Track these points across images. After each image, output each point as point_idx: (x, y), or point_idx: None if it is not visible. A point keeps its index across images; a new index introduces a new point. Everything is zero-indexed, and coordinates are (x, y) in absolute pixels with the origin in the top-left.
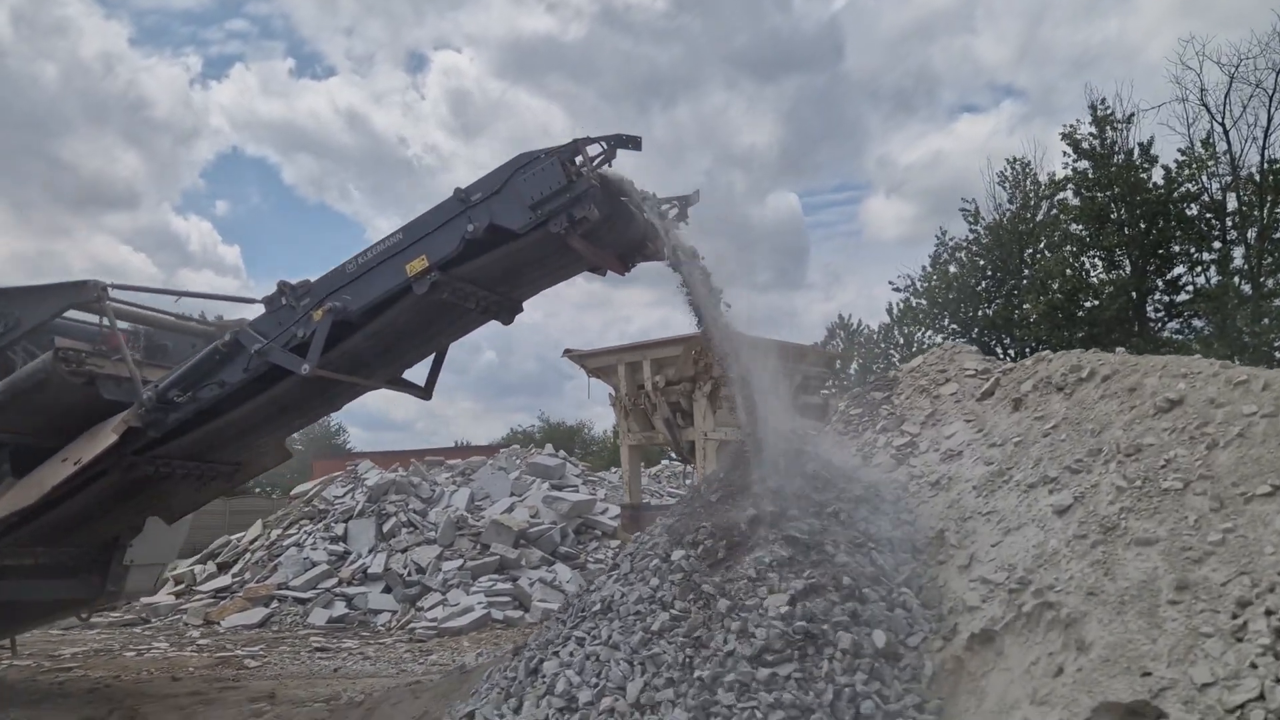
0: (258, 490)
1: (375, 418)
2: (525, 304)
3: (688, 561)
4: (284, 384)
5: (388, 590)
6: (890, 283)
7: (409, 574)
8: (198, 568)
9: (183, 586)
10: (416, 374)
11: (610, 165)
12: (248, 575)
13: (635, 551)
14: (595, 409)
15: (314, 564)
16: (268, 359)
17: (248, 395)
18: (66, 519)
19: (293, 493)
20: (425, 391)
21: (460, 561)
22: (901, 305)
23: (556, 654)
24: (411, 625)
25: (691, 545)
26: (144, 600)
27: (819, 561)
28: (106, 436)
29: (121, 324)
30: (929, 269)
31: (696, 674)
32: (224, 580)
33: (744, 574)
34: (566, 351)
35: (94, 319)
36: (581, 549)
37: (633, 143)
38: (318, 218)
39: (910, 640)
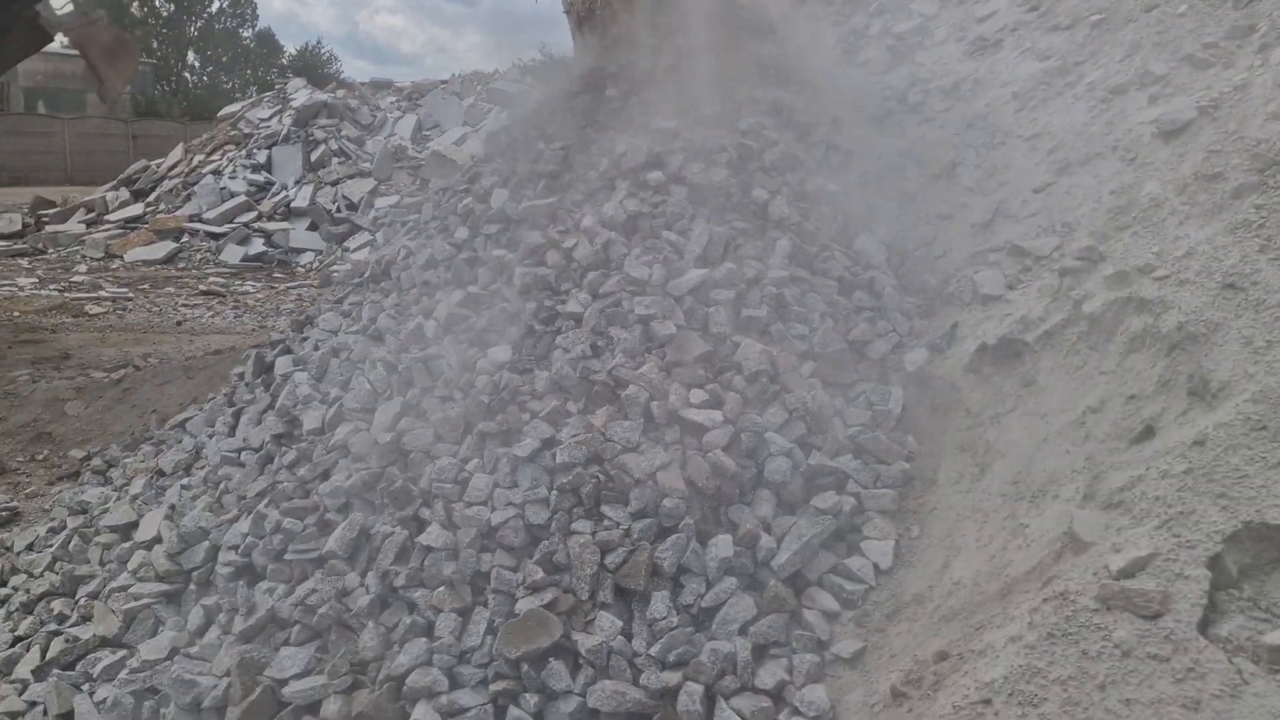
0: None
1: (382, 50)
2: None
3: (513, 206)
4: None
5: (314, 228)
6: None
7: (337, 210)
8: (110, 194)
9: (94, 215)
10: None
11: None
12: (162, 206)
13: (449, 188)
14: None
15: (231, 195)
16: None
17: None
18: None
19: (220, 114)
20: None
21: (396, 198)
22: None
23: (303, 342)
24: (334, 268)
25: (530, 179)
26: (50, 229)
27: (735, 209)
28: None
29: None
30: None
31: (482, 398)
32: (137, 209)
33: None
34: None
35: None
36: None
37: None
38: None
39: (873, 348)
